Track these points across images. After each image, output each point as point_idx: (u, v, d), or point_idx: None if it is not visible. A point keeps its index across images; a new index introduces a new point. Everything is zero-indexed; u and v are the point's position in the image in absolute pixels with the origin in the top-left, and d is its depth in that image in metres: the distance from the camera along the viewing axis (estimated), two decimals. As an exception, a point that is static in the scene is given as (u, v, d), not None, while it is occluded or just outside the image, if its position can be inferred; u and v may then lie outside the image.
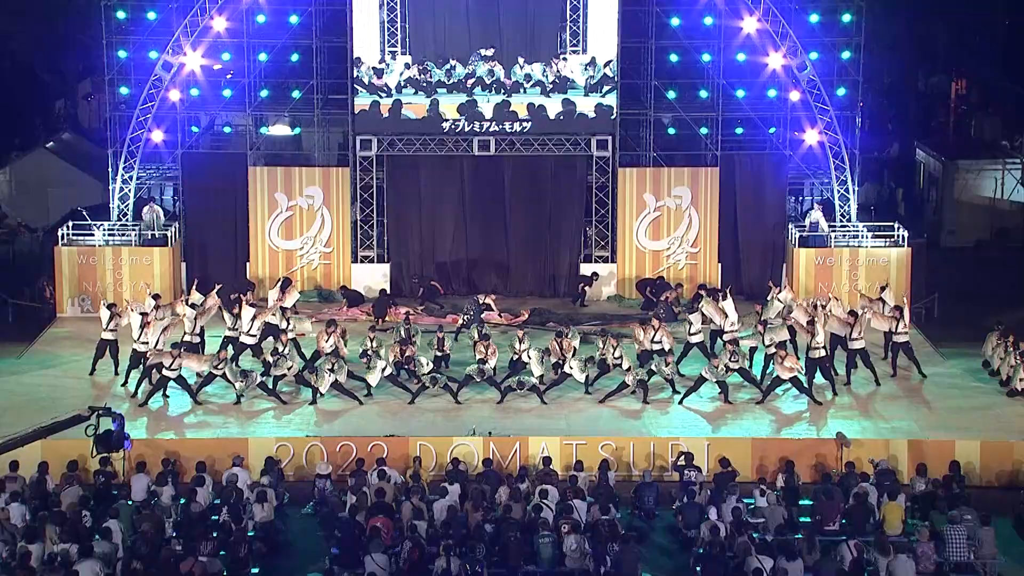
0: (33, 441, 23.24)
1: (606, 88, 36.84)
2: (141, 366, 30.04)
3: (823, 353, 29.85)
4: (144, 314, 30.54)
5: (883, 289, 32.63)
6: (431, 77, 36.81)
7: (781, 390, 29.54)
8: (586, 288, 37.38)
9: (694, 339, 31.25)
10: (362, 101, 37.02)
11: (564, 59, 36.90)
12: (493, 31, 36.87)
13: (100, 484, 24.59)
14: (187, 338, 30.85)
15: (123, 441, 23.18)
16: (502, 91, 36.83)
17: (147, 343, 29.84)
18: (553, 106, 36.96)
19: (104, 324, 30.97)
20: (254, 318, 30.94)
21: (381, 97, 36.93)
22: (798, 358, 31.16)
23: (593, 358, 30.12)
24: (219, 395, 29.85)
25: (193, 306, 31.51)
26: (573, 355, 29.90)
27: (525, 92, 36.87)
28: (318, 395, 29.56)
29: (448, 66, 36.74)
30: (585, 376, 29.81)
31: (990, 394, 30.39)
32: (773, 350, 29.69)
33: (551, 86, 36.85)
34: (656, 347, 30.23)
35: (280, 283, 34.39)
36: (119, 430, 23.66)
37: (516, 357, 30.45)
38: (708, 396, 29.68)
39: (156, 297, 32.31)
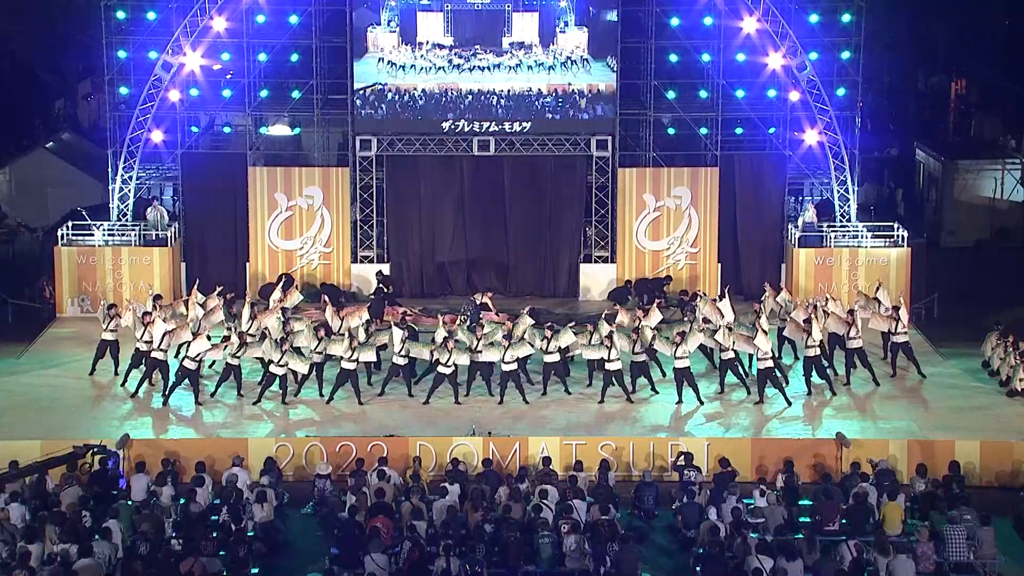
0: (28, 475, 23.16)
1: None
2: (143, 365, 30.04)
3: (817, 352, 29.86)
4: (147, 313, 30.55)
5: (877, 288, 32.63)
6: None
7: (772, 391, 29.52)
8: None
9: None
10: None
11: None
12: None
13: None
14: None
15: (118, 480, 23.12)
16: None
17: (150, 342, 29.83)
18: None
19: (104, 324, 30.98)
20: (253, 318, 30.92)
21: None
22: (797, 358, 31.23)
23: (552, 325, 30.24)
24: (219, 395, 29.84)
25: (201, 307, 31.55)
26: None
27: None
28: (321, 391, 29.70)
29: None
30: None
31: (990, 394, 30.38)
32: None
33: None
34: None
35: (282, 283, 34.34)
36: (114, 468, 23.61)
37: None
38: (707, 396, 29.71)
39: (158, 298, 32.31)
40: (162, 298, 32.59)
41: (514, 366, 29.67)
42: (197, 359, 29.26)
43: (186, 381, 29.31)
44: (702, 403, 29.38)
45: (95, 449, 24.69)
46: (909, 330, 31.85)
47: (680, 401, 29.48)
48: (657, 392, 29.97)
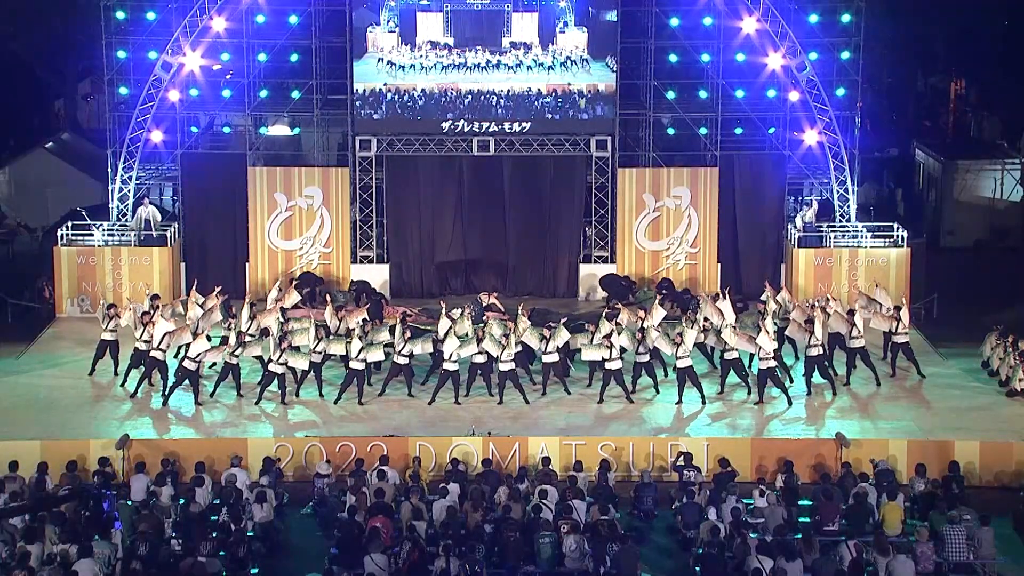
0: (22, 514, 22.79)
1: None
2: (142, 365, 30.02)
3: (820, 351, 29.85)
4: (146, 313, 30.54)
5: (875, 288, 32.62)
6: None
7: (776, 391, 29.50)
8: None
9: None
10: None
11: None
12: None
13: (99, 484, 24.54)
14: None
15: (114, 522, 22.96)
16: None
17: (148, 342, 29.81)
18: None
19: (103, 324, 30.96)
20: (252, 318, 30.91)
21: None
22: (798, 358, 31.21)
23: (551, 326, 30.25)
24: (219, 395, 29.82)
25: (201, 307, 31.55)
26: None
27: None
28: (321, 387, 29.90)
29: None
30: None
31: (990, 394, 30.38)
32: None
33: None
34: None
35: (278, 282, 34.26)
36: (109, 511, 23.37)
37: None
38: (708, 396, 29.68)
39: (155, 297, 32.31)
40: (160, 298, 32.59)
41: (511, 365, 29.66)
42: (197, 359, 29.26)
43: (186, 381, 29.31)
44: (705, 403, 29.35)
45: (93, 492, 24.10)
46: (909, 330, 31.83)
47: (680, 401, 29.46)
48: (659, 392, 29.95)
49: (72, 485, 23.77)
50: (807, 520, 23.52)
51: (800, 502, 24.23)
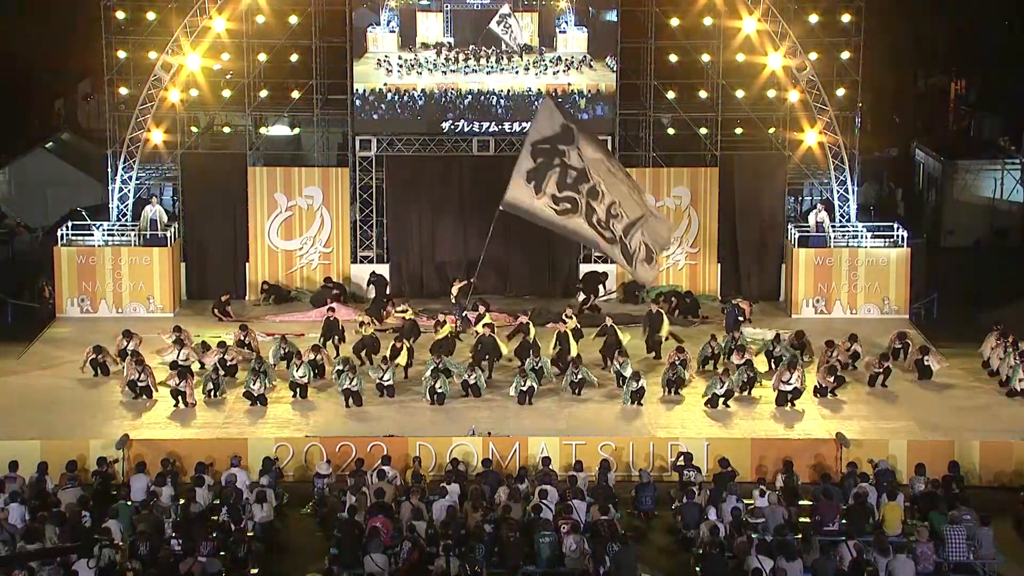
0: (32, 560, 22.60)
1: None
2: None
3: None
4: (140, 361, 30.36)
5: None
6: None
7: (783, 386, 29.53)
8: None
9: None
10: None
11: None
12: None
13: (98, 484, 24.54)
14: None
15: (124, 573, 22.84)
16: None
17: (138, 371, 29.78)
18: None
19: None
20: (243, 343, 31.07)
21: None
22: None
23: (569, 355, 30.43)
24: (219, 395, 29.76)
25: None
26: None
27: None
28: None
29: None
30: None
31: (990, 394, 30.38)
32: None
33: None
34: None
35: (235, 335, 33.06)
36: (120, 560, 23.26)
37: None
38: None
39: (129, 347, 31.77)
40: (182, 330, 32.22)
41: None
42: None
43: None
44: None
45: (104, 542, 23.82)
46: (909, 330, 31.86)
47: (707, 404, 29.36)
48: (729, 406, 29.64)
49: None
50: (807, 520, 23.52)
51: (800, 502, 24.23)
